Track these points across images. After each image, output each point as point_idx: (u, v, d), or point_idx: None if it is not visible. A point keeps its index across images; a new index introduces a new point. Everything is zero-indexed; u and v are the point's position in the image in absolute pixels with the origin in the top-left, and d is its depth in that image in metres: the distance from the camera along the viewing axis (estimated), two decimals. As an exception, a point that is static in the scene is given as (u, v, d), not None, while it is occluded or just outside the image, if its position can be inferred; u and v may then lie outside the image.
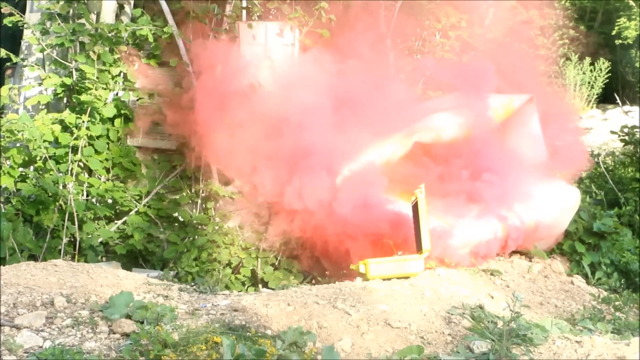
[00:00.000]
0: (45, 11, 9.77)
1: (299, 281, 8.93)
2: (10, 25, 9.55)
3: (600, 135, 16.68)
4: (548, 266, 8.85)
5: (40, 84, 9.88)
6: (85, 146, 9.33)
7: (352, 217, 8.33)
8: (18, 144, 9.18)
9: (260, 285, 9.18)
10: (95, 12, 10.00)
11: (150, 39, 9.52)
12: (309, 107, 9.07)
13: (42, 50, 9.84)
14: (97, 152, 9.48)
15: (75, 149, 9.24)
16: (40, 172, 9.03)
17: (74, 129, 9.28)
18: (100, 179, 9.59)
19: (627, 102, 19.45)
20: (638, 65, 22.17)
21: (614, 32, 21.57)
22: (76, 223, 8.80)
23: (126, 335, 5.22)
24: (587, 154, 11.75)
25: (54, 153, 9.18)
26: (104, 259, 9.20)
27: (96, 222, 9.33)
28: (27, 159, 9.06)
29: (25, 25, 9.73)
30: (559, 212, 8.85)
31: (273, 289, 8.27)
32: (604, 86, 20.89)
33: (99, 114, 9.44)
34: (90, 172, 9.58)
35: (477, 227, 8.29)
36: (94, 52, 9.35)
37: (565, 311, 7.72)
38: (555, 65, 22.15)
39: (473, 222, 8.33)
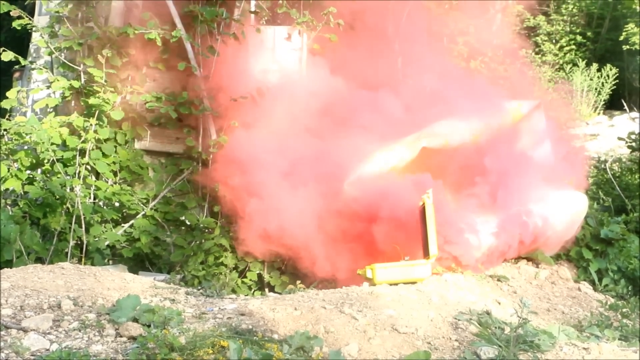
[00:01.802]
0: (54, 14, 9.79)
1: (305, 285, 8.92)
2: (19, 28, 9.57)
3: (607, 141, 16.65)
4: (555, 272, 8.83)
5: (48, 87, 9.90)
6: (92, 149, 9.34)
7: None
8: (26, 147, 9.18)
9: (267, 290, 9.17)
10: (103, 15, 10.01)
11: (159, 42, 9.51)
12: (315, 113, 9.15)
13: (50, 53, 9.86)
14: (104, 155, 9.49)
15: (82, 152, 9.25)
16: (48, 175, 9.04)
17: (81, 132, 9.29)
18: (107, 182, 9.60)
19: (634, 108, 19.38)
20: (645, 72, 22.14)
21: (621, 38, 21.52)
22: (83, 226, 8.80)
23: (133, 338, 5.22)
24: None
25: (62, 156, 9.19)
26: (110, 262, 9.19)
27: (103, 225, 9.33)
28: (34, 161, 9.07)
29: (33, 28, 9.75)
30: (567, 218, 8.84)
31: (280, 293, 8.26)
32: (611, 92, 20.85)
33: (107, 117, 9.46)
34: (98, 175, 9.58)
35: (487, 232, 8.28)
36: (102, 55, 9.37)
37: (572, 317, 7.71)
38: (563, 71, 22.15)
39: (482, 226, 8.32)
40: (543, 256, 8.80)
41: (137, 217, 9.63)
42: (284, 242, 8.86)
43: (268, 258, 9.39)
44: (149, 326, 5.33)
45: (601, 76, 20.81)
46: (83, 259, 8.70)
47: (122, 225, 9.59)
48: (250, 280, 9.32)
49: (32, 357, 4.81)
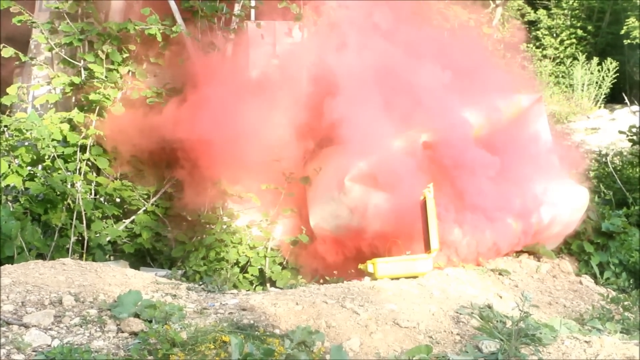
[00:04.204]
0: (54, 10, 9.77)
1: (307, 280, 8.92)
2: (19, 24, 9.55)
3: (608, 135, 16.64)
4: (556, 266, 8.84)
5: (48, 83, 9.88)
6: (93, 145, 9.33)
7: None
8: (26, 143, 9.16)
9: (268, 285, 9.17)
10: (103, 11, 10.00)
11: (159, 38, 9.50)
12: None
13: (50, 49, 9.84)
14: (105, 151, 9.48)
15: (83, 148, 9.24)
16: (49, 171, 9.02)
17: (82, 127, 9.28)
18: (108, 177, 9.59)
19: (635, 102, 19.38)
20: (646, 65, 22.15)
21: (622, 32, 21.51)
22: (84, 222, 8.80)
23: (134, 334, 5.23)
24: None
25: (62, 152, 9.17)
26: (112, 257, 9.20)
27: (104, 221, 9.32)
28: (35, 157, 9.05)
29: (34, 24, 9.73)
30: (568, 212, 8.83)
31: (281, 288, 8.26)
32: (611, 86, 20.86)
33: (108, 113, 9.43)
34: (99, 171, 9.57)
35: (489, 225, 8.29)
36: (102, 51, 9.35)
37: (573, 311, 7.72)
38: (563, 65, 22.15)
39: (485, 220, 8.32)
40: (544, 250, 8.81)
41: (138, 212, 9.62)
42: None
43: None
44: (150, 322, 5.34)
45: (602, 70, 20.81)
46: (84, 255, 8.71)
47: (123, 220, 9.58)
48: (252, 275, 9.30)
49: (34, 353, 4.82)
